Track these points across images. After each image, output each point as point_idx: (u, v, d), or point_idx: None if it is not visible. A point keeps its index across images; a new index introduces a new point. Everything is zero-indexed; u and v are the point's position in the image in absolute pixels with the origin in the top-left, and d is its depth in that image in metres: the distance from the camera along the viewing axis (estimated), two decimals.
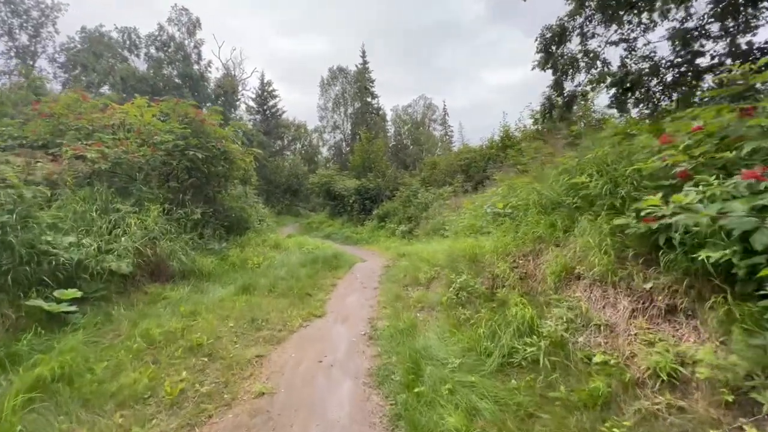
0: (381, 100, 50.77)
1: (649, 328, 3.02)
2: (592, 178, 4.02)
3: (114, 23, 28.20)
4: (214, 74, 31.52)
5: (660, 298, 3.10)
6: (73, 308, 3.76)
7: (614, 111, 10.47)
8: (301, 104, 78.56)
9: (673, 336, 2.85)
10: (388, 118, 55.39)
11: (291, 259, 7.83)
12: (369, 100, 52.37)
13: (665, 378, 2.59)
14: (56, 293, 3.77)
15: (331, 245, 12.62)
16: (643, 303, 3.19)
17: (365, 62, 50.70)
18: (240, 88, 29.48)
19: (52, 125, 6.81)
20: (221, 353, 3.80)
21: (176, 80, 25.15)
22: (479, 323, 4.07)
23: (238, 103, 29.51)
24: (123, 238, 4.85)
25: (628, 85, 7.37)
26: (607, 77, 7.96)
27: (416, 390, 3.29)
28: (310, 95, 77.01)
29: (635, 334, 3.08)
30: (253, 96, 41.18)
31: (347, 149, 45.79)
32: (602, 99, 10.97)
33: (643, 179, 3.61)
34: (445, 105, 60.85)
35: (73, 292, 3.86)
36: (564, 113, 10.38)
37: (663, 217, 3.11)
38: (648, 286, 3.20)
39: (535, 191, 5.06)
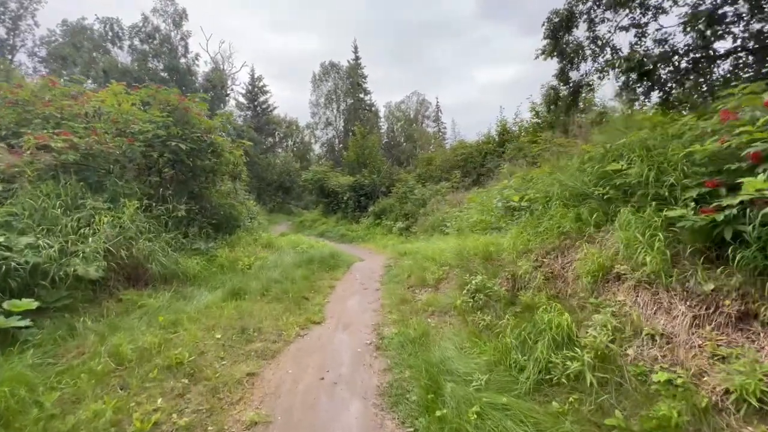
0: (373, 97, 50.28)
1: (718, 340, 2.54)
2: (632, 164, 3.53)
3: (95, 13, 26.93)
4: (202, 68, 30.58)
5: (728, 303, 2.62)
6: (25, 322, 3.15)
7: (617, 101, 10.09)
8: (293, 102, 77.50)
9: (754, 349, 2.37)
10: (381, 114, 54.87)
11: (285, 259, 7.25)
12: (362, 96, 51.66)
13: (755, 404, 2.10)
14: (5, 304, 3.16)
15: (326, 244, 12.04)
16: (707, 309, 2.71)
17: (357, 58, 49.97)
18: (229, 83, 28.62)
19: (16, 114, 6.11)
20: (205, 372, 3.23)
21: (162, 74, 24.10)
22: (504, 331, 3.56)
23: (227, 98, 28.63)
24: (92, 238, 4.22)
25: (644, 70, 6.92)
26: (622, 62, 7.50)
27: (437, 414, 2.76)
28: (302, 93, 76.15)
29: (700, 347, 2.59)
30: (243, 92, 40.26)
31: (340, 146, 45.10)
32: (604, 90, 10.51)
33: (694, 165, 3.13)
34: (437, 101, 60.59)
35: (28, 303, 3.25)
36: (570, 103, 9.94)
37: (726, 207, 2.63)
38: (710, 288, 2.72)
39: (557, 182, 4.57)
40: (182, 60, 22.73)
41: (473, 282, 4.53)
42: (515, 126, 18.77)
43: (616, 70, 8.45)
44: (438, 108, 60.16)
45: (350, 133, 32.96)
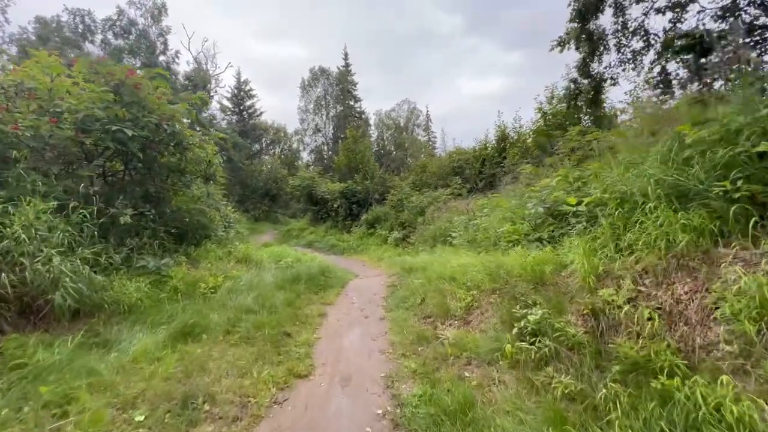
0: (363, 105, 49.26)
1: None
2: None
3: (64, 3, 24.98)
4: (184, 68, 28.78)
5: None
6: None
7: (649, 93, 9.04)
8: (281, 110, 76.17)
9: None
10: (371, 122, 53.91)
11: (264, 278, 5.75)
12: (352, 103, 50.66)
13: None
14: None
15: (315, 257, 10.51)
16: None
17: (347, 64, 49.08)
18: (213, 84, 27.08)
19: None
20: None
21: (139, 72, 22.44)
22: (608, 411, 2.18)
23: (211, 100, 27.04)
24: None
25: (702, 48, 5.82)
26: (675, 40, 6.38)
27: None
28: (291, 101, 75.00)
29: None
30: (229, 95, 38.69)
31: (329, 153, 43.77)
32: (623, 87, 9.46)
33: None
34: (427, 110, 60.03)
35: None
36: (592, 99, 8.82)
37: None
38: None
39: (644, 177, 3.26)
40: (161, 58, 21.19)
41: (529, 317, 3.15)
42: (514, 132, 17.71)
43: (656, 54, 7.36)
44: (428, 117, 59.69)
45: (339, 140, 31.63)
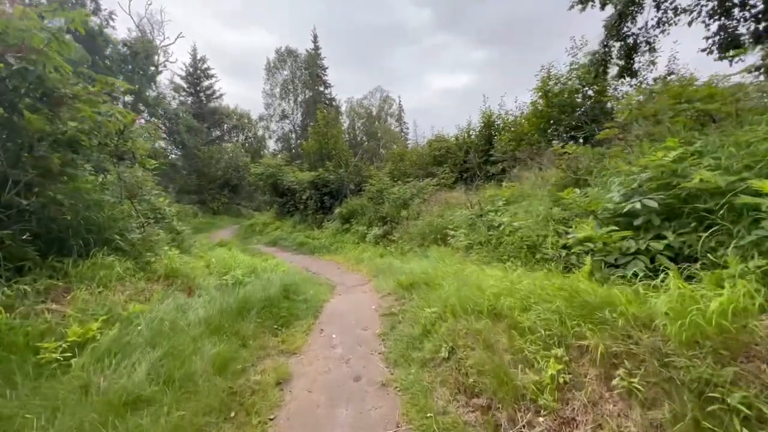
0: (334, 92, 46.49)
1: None
2: None
3: None
4: (123, 34, 24.56)
5: None
6: None
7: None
8: (247, 99, 71.62)
9: None
10: (343, 110, 51.19)
11: (186, 314, 3.54)
12: (321, 89, 47.69)
13: None
14: None
15: (280, 263, 8.24)
16: None
17: (317, 47, 46.01)
18: (161, 57, 23.46)
19: None
20: None
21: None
22: None
23: (158, 74, 23.40)
24: None
25: None
26: None
27: None
28: (256, 90, 70.39)
29: None
30: (183, 74, 34.69)
31: (298, 141, 40.76)
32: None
33: None
34: (400, 100, 58.08)
35: None
36: (624, 67, 7.16)
37: None
38: None
39: None
40: (93, 19, 17.71)
41: None
42: (499, 119, 16.10)
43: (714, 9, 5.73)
44: (401, 107, 57.77)
45: (309, 128, 29.00)
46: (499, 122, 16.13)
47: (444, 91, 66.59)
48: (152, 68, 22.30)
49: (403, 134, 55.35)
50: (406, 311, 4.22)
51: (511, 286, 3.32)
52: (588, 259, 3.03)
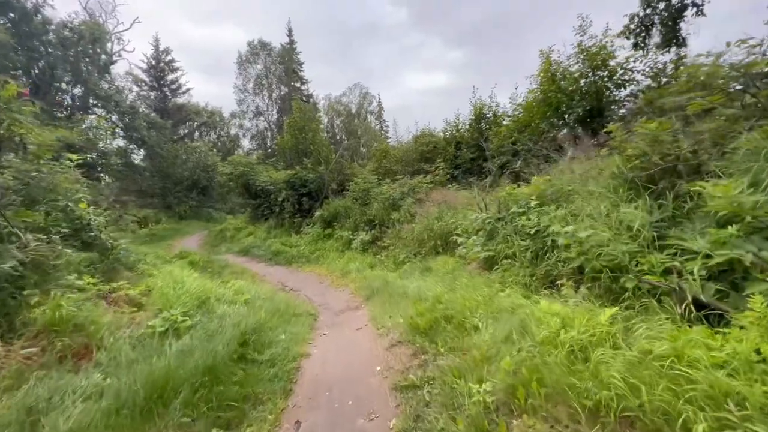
0: (311, 87, 44.43)
1: None
2: None
3: None
4: (66, 16, 21.63)
5: None
6: None
7: None
8: (221, 98, 68.46)
9: None
10: (321, 107, 49.09)
11: None
12: (297, 85, 45.50)
13: None
14: None
15: (244, 288, 6.41)
16: None
17: (292, 42, 43.77)
18: (115, 46, 20.82)
19: None
20: None
21: None
22: None
23: (111, 63, 20.72)
24: None
25: None
26: None
27: None
28: (229, 87, 67.47)
29: None
30: (145, 66, 31.85)
31: (274, 140, 38.50)
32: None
33: None
34: (379, 98, 56.46)
35: None
36: (670, 31, 5.87)
37: None
38: None
39: None
40: None
41: None
42: (489, 112, 14.77)
43: None
44: (380, 104, 56.13)
45: (285, 126, 26.91)
46: (489, 115, 14.78)
47: (422, 91, 65.66)
48: (104, 56, 19.77)
49: (383, 132, 53.81)
50: (433, 381, 2.65)
51: (637, 354, 1.83)
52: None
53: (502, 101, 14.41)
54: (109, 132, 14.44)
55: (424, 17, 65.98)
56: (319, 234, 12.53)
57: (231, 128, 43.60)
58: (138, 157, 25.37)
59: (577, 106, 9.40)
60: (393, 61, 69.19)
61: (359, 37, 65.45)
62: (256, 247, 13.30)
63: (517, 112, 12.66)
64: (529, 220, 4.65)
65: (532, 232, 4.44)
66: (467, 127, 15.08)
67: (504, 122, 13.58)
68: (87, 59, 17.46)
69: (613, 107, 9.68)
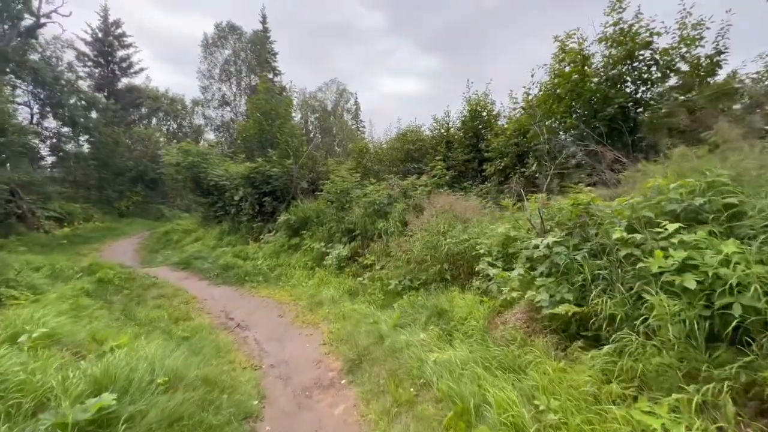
0: (284, 79, 41.28)
1: None
2: None
3: None
4: None
5: None
6: None
7: None
8: (181, 86, 63.34)
9: None
10: (294, 102, 45.98)
11: None
12: (270, 76, 42.16)
13: None
14: None
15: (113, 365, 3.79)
16: None
17: (266, 29, 40.46)
18: (41, 1, 17.02)
19: None
20: None
21: None
22: None
23: (37, 25, 16.92)
24: None
25: None
26: None
27: None
28: (193, 77, 62.64)
29: None
30: (90, 39, 27.63)
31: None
32: None
33: None
34: (356, 97, 54.00)
35: None
36: None
37: None
38: None
39: None
40: None
41: None
42: (485, 110, 12.72)
43: None
44: (357, 103, 53.64)
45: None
46: (485, 113, 12.71)
47: (394, 95, 64.03)
48: (27, 15, 16.06)
49: (359, 132, 51.39)
50: None
51: None
52: None
53: (498, 99, 12.47)
54: (3, 100, 11.08)
55: (398, 22, 64.70)
56: (283, 244, 9.92)
57: (195, 118, 39.57)
58: (73, 140, 21.44)
59: (617, 97, 7.50)
60: (366, 64, 67.04)
61: (331, 37, 62.92)
62: (201, 258, 10.44)
63: (516, 113, 10.58)
64: (669, 257, 2.44)
65: (693, 287, 2.23)
66: (459, 125, 12.99)
67: (500, 122, 11.66)
68: (10, 26, 13.82)
69: (652, 102, 7.92)
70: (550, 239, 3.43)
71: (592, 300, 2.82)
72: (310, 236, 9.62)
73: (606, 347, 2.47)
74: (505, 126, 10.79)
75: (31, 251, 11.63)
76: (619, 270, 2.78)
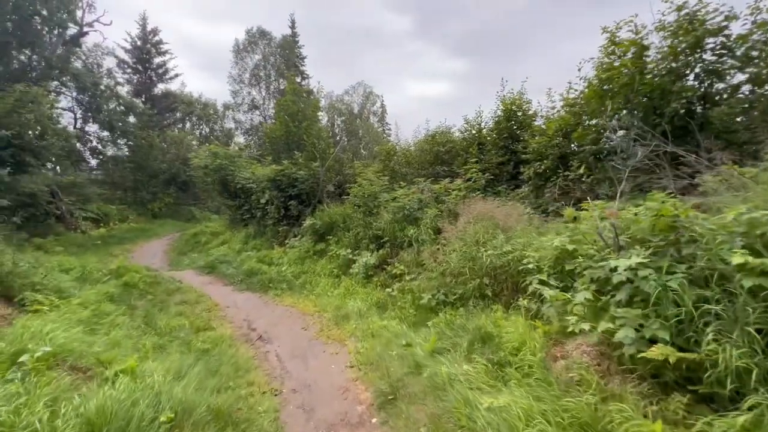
0: (311, 83, 41.58)
1: None
2: None
3: None
4: None
5: None
6: None
7: None
8: (215, 92, 66.07)
9: None
10: (321, 104, 46.33)
11: None
12: (299, 80, 42.68)
13: None
14: None
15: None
16: None
17: (295, 34, 41.07)
18: (84, 11, 17.81)
19: None
20: None
21: None
22: None
23: (81, 33, 17.76)
24: None
25: None
26: None
27: None
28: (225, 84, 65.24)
29: None
30: (129, 47, 28.87)
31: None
32: None
33: None
34: (382, 100, 53.73)
35: None
36: None
37: None
38: None
39: None
40: None
41: None
42: (519, 110, 11.81)
43: None
44: (384, 106, 53.33)
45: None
46: (520, 113, 11.83)
47: (420, 98, 63.51)
48: (69, 24, 16.80)
49: (386, 135, 51.06)
50: None
51: None
52: None
53: (533, 99, 11.48)
54: (47, 105, 11.42)
55: (425, 25, 64.16)
56: (309, 250, 9.56)
57: (226, 122, 40.61)
58: (111, 144, 22.28)
59: (683, 91, 6.61)
60: (393, 67, 66.86)
61: (359, 42, 63.34)
62: (226, 262, 10.27)
63: (555, 113, 9.70)
64: None
65: None
66: (492, 125, 12.20)
67: (536, 122, 10.78)
68: (45, 16, 14.42)
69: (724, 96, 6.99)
70: (633, 259, 2.76)
71: (705, 344, 2.15)
72: (336, 242, 9.20)
73: (742, 418, 1.79)
74: (544, 126, 9.96)
75: (67, 251, 11.92)
76: (745, 307, 2.10)
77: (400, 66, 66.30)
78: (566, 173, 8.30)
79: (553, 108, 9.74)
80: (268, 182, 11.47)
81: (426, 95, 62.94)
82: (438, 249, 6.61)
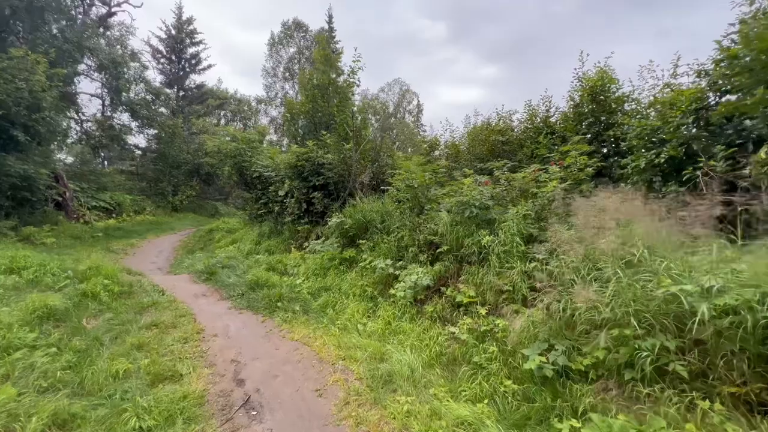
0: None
1: None
2: None
3: None
4: None
5: None
6: None
7: None
8: (255, 93, 67.35)
9: None
10: (356, 101, 44.43)
11: None
12: (333, 76, 41.13)
13: None
14: None
15: None
16: None
17: (332, 29, 39.44)
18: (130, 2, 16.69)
19: None
20: None
21: None
22: None
23: (109, 14, 16.66)
24: None
25: None
26: None
27: None
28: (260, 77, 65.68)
29: None
30: (164, 36, 28.20)
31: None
32: None
33: None
34: (418, 99, 51.15)
35: None
36: None
37: None
38: None
39: None
40: None
41: None
42: (608, 86, 8.66)
43: None
44: (420, 105, 50.69)
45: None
46: (609, 94, 8.74)
47: (453, 104, 61.39)
48: (96, 2, 15.66)
49: (420, 135, 48.34)
50: None
51: None
52: None
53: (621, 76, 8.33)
54: (42, 73, 9.80)
55: (460, 31, 62.02)
56: (334, 257, 7.12)
57: (261, 118, 39.61)
58: (135, 132, 21.14)
59: None
60: (427, 73, 64.99)
61: (394, 48, 62.11)
62: (229, 267, 8.04)
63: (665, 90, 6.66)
64: None
65: None
66: (567, 110, 9.26)
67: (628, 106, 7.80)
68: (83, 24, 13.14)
69: None
70: None
71: None
72: (371, 248, 6.71)
73: None
74: (659, 106, 6.95)
75: (59, 243, 10.28)
76: None
77: (435, 72, 64.31)
78: (713, 165, 5.23)
79: (668, 84, 6.72)
80: (288, 170, 9.19)
81: (459, 101, 60.51)
82: (543, 267, 3.96)
